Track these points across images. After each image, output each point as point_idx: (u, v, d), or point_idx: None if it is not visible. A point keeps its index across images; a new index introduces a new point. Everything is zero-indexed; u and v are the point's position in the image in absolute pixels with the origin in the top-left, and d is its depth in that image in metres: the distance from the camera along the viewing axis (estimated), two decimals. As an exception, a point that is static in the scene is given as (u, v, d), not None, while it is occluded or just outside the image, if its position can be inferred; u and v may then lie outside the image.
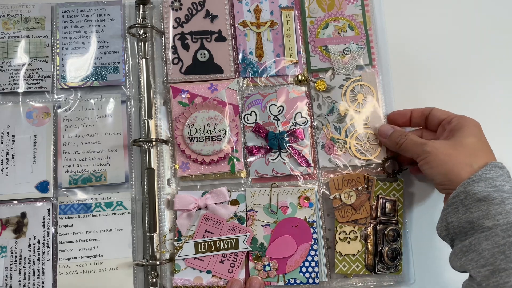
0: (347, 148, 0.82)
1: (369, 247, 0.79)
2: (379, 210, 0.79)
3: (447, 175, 0.67)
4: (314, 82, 0.83)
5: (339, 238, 0.79)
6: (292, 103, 0.82)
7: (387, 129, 0.79)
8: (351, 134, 0.82)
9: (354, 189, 0.79)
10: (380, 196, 0.80)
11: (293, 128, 0.81)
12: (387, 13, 0.88)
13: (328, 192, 0.80)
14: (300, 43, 0.85)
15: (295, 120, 0.82)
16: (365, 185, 0.80)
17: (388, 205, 0.79)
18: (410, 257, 0.81)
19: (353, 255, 0.79)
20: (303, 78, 0.83)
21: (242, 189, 0.81)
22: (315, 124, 0.83)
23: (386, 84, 0.85)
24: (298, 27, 0.86)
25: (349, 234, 0.79)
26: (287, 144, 0.81)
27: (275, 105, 0.82)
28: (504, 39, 0.90)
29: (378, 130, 0.81)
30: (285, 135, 0.81)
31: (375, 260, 0.78)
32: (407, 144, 0.74)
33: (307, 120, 0.82)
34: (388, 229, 0.78)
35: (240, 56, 0.84)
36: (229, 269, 0.78)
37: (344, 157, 0.82)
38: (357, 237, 0.79)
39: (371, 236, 0.79)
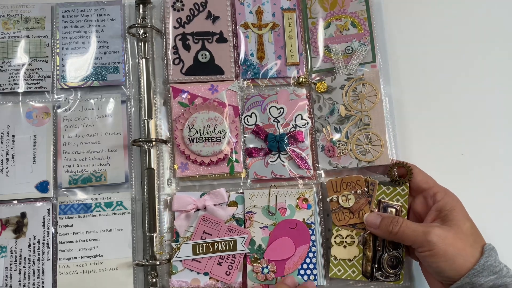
0: (347, 150, 0.80)
1: (367, 253, 0.76)
2: None
3: (456, 269, 0.66)
4: (315, 84, 0.82)
5: (335, 241, 0.77)
6: (292, 105, 0.82)
7: (374, 218, 0.74)
8: (352, 135, 0.80)
9: (352, 192, 0.77)
10: (382, 200, 0.77)
11: (293, 130, 0.81)
12: (390, 10, 0.87)
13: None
14: (301, 44, 0.85)
15: (295, 122, 0.81)
16: (366, 189, 0.77)
17: (390, 211, 0.76)
18: (412, 266, 0.80)
19: (349, 260, 0.77)
20: (303, 80, 0.83)
21: (241, 190, 0.81)
22: (315, 126, 0.82)
23: (387, 82, 0.83)
24: (300, 29, 0.85)
25: (345, 238, 0.77)
26: (287, 146, 0.80)
27: (276, 107, 0.82)
28: (507, 37, 0.90)
29: (365, 221, 0.75)
30: (285, 137, 0.81)
31: (373, 267, 0.76)
32: (404, 233, 0.70)
33: (307, 122, 0.81)
34: None
35: (241, 57, 0.84)
36: (227, 271, 0.78)
37: (345, 159, 0.80)
38: (354, 241, 0.77)
39: (370, 242, 0.76)
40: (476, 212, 0.72)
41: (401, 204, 0.77)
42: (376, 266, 0.75)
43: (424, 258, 0.68)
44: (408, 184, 0.77)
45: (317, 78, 0.84)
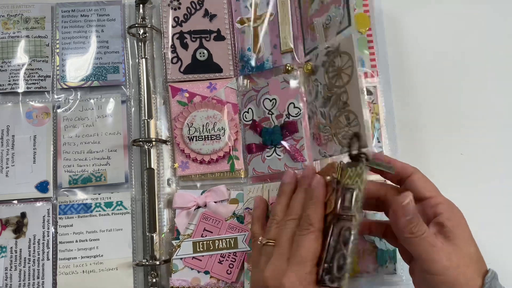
0: (332, 135, 0.68)
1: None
2: (338, 203, 0.58)
3: None
4: (302, 68, 0.77)
5: None
6: (284, 94, 0.78)
7: (408, 199, 0.57)
8: (334, 118, 0.67)
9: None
10: (346, 186, 0.58)
11: (286, 121, 0.78)
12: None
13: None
14: (296, 28, 0.81)
15: (288, 111, 0.78)
16: (336, 175, 0.60)
17: (348, 196, 0.57)
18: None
19: None
20: (290, 68, 0.78)
21: (241, 188, 0.80)
22: (308, 113, 0.76)
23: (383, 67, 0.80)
24: (295, 12, 0.81)
25: None
26: (281, 139, 0.78)
27: (268, 98, 0.80)
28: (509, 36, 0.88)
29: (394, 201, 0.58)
30: (277, 130, 0.78)
31: (323, 268, 0.57)
32: (422, 243, 0.57)
33: (300, 110, 0.77)
34: (343, 229, 0.56)
35: (239, 54, 0.83)
36: (228, 269, 0.76)
37: (330, 146, 0.69)
38: None
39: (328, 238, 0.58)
40: (476, 213, 0.67)
41: (356, 186, 0.57)
42: (326, 266, 0.57)
43: (425, 278, 0.59)
44: (364, 161, 0.58)
45: (306, 60, 0.77)
